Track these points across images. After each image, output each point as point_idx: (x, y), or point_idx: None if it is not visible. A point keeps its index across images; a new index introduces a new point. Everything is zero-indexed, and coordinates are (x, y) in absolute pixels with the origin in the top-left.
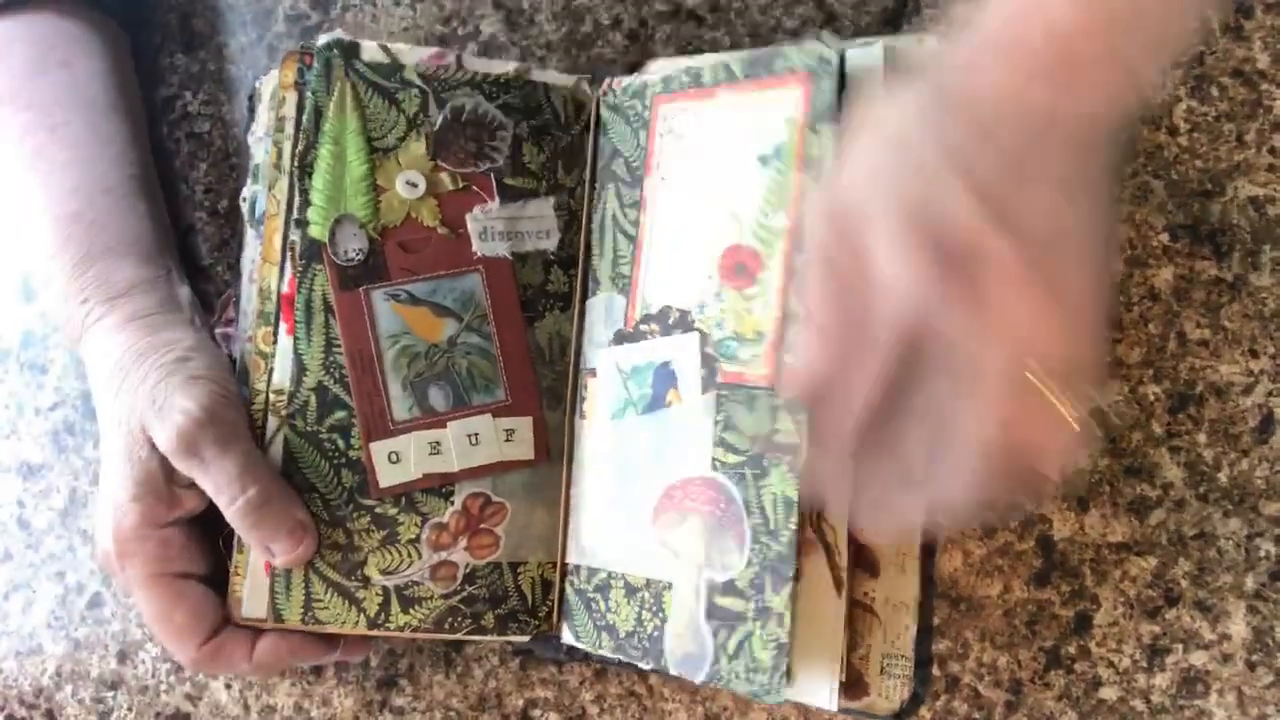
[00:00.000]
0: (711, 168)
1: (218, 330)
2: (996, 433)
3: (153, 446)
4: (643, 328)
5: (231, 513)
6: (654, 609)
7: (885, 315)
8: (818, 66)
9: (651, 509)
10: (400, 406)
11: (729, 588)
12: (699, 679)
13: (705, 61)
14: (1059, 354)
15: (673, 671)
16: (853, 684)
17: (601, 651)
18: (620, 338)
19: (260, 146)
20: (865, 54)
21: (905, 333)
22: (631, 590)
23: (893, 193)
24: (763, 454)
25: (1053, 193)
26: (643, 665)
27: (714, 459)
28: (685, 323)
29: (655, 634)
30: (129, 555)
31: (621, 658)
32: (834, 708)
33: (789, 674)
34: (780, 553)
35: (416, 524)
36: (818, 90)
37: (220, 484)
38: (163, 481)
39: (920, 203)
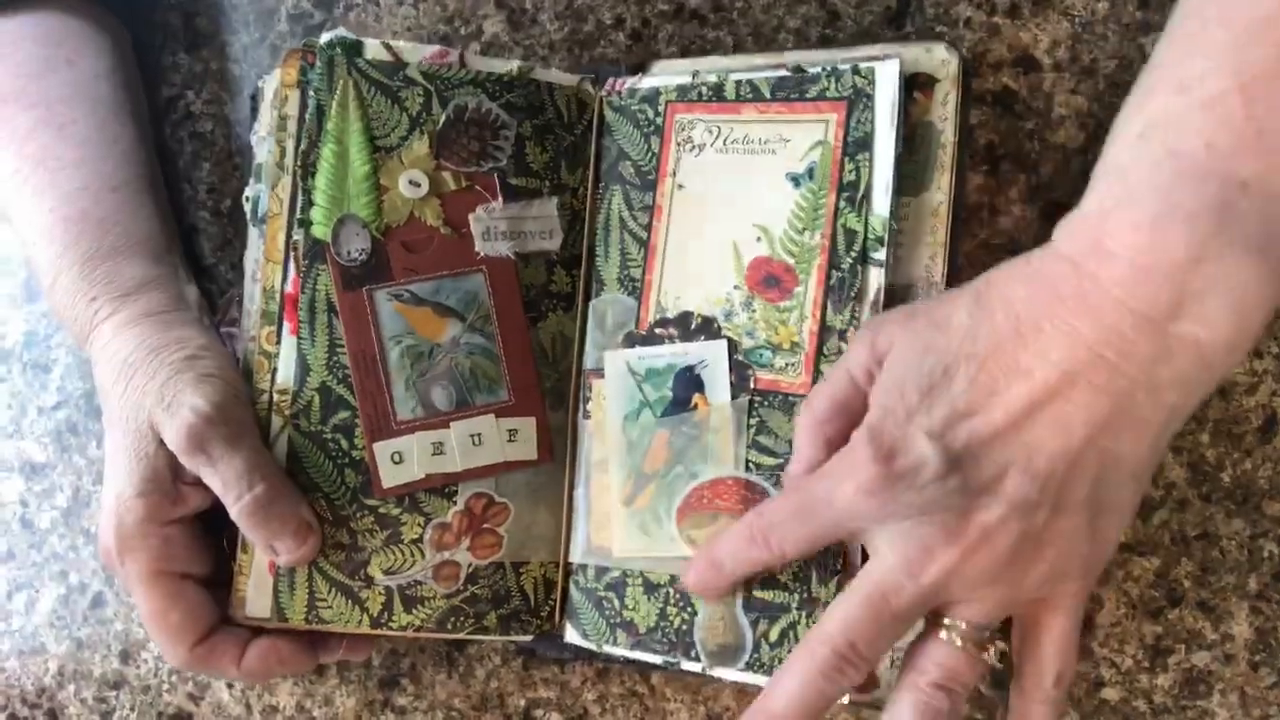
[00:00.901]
0: (735, 181)
1: (221, 330)
2: None
3: (159, 442)
4: (659, 331)
5: (237, 510)
6: (681, 604)
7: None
8: (855, 98)
9: (675, 509)
10: (403, 407)
11: (769, 581)
12: (737, 667)
13: (712, 66)
14: None
15: (705, 663)
16: None
17: (614, 649)
18: (632, 340)
19: (263, 146)
20: (883, 69)
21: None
22: (652, 587)
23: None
24: None
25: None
26: (669, 659)
27: (748, 461)
28: (710, 329)
29: (684, 628)
30: (130, 551)
31: (640, 654)
32: (844, 700)
33: None
34: (826, 546)
35: (419, 524)
36: (855, 120)
37: (227, 481)
38: (168, 478)
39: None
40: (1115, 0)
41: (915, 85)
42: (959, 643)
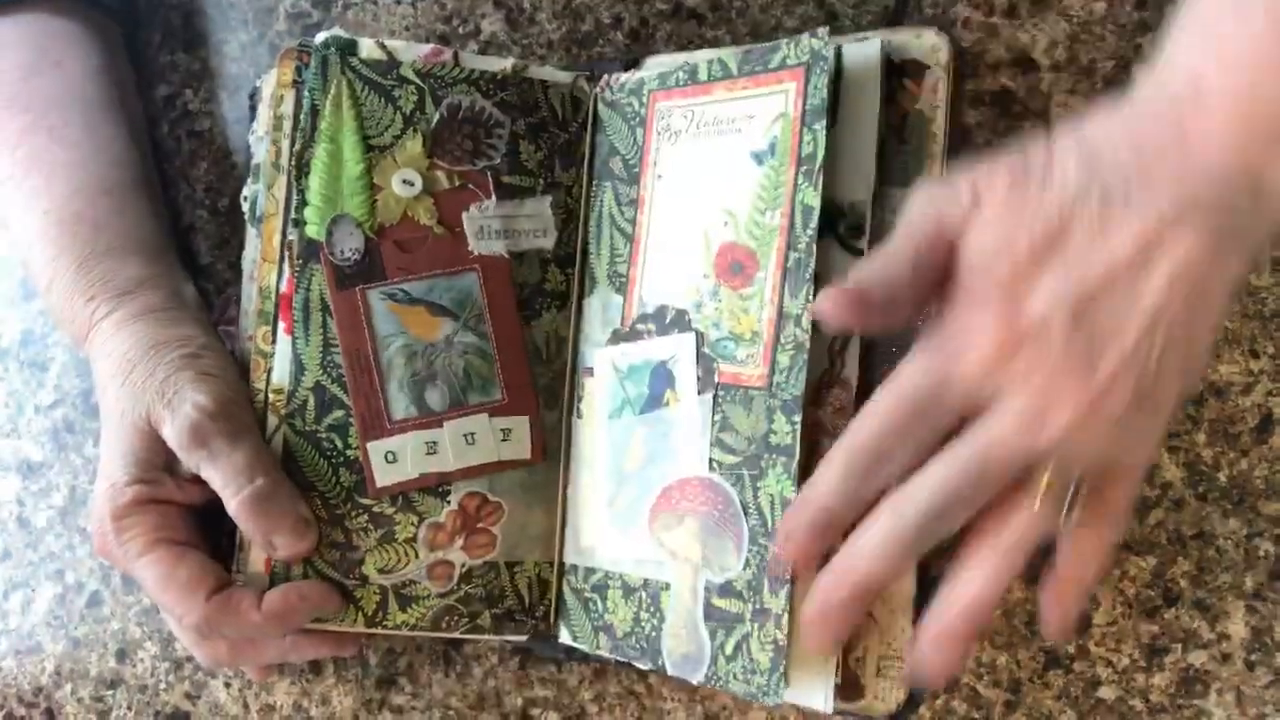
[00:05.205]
0: (706, 165)
1: (218, 329)
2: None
3: (155, 436)
4: (639, 327)
5: (236, 504)
6: (651, 609)
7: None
8: (812, 62)
9: (648, 509)
10: (397, 406)
11: (726, 589)
12: (697, 679)
13: (702, 57)
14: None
15: (671, 672)
16: (848, 686)
17: (599, 651)
18: (617, 337)
19: (261, 145)
20: (862, 49)
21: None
22: (629, 590)
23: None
24: (760, 455)
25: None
26: (641, 665)
27: (711, 460)
28: (682, 322)
29: (653, 634)
30: (128, 528)
31: (620, 657)
32: (829, 710)
33: (786, 676)
34: (778, 554)
35: (413, 523)
36: (812, 86)
37: (227, 475)
38: (163, 470)
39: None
40: (1113, 0)
41: (905, 73)
42: (1038, 505)
